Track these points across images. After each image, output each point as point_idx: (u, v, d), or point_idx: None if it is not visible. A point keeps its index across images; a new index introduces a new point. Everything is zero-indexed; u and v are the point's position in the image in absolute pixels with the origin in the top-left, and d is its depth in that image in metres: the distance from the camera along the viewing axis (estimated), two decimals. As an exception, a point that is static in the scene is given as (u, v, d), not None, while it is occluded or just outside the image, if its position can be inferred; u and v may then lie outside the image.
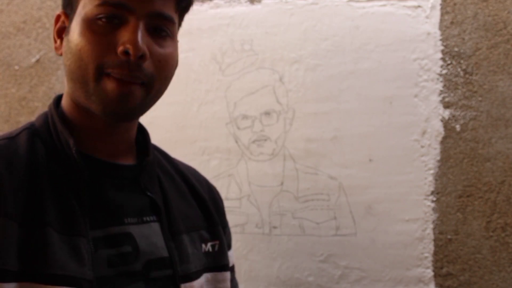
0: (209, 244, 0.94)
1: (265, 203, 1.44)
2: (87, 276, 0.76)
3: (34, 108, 1.63)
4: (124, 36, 0.77)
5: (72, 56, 0.80)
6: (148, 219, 0.86)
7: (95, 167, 0.83)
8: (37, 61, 1.65)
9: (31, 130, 0.84)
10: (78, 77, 0.80)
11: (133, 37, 0.77)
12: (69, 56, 0.80)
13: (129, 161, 0.89)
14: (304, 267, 1.41)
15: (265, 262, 1.43)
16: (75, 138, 0.82)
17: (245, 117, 1.47)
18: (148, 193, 0.88)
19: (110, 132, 0.86)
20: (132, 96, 0.79)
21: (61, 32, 0.85)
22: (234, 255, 1.08)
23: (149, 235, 0.85)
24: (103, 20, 0.78)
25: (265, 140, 1.45)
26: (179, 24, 0.89)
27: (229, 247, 1.04)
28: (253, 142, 1.46)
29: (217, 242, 0.96)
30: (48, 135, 0.83)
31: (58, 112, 0.85)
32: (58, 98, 0.89)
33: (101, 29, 0.78)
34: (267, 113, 1.46)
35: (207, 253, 0.93)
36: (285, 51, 1.46)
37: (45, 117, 0.86)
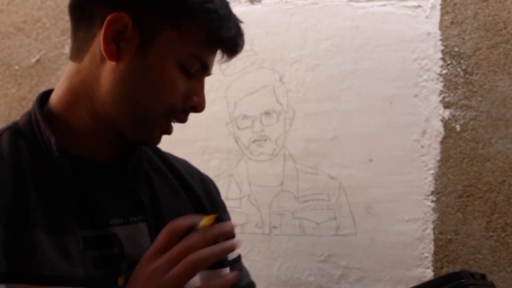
0: None
1: (265, 203, 1.44)
2: (77, 276, 0.75)
3: (34, 108, 1.63)
4: (195, 91, 0.82)
5: (144, 82, 0.78)
6: (134, 219, 0.85)
7: (82, 166, 0.82)
8: (37, 61, 1.65)
9: (14, 129, 0.82)
10: (138, 107, 0.79)
11: (203, 97, 0.83)
12: (139, 79, 0.78)
13: (117, 158, 0.88)
14: (304, 267, 1.41)
15: (265, 262, 1.43)
16: (59, 137, 0.80)
17: (245, 117, 1.47)
18: (135, 192, 0.86)
19: (102, 133, 0.84)
20: None
21: (117, 36, 0.78)
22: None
23: (135, 236, 0.84)
24: (186, 69, 0.80)
25: (265, 140, 1.45)
26: None
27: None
28: (253, 142, 1.46)
29: None
30: (31, 134, 0.81)
31: (42, 110, 0.83)
32: (43, 96, 0.86)
33: (182, 75, 0.80)
34: (267, 113, 1.46)
35: None
36: (285, 51, 1.46)
37: (28, 116, 0.84)
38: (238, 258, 1.02)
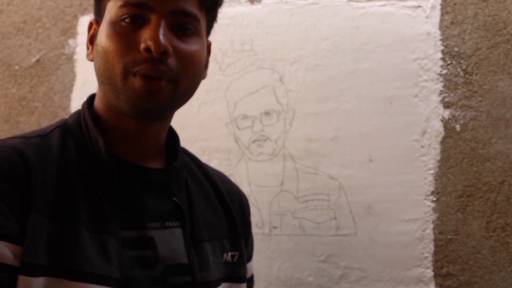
0: (229, 254, 0.94)
1: (265, 203, 1.44)
2: (114, 275, 0.76)
3: (34, 108, 1.63)
4: (145, 34, 0.79)
5: (100, 59, 0.82)
6: (170, 224, 0.86)
7: (124, 168, 0.84)
8: (37, 61, 1.65)
9: (64, 128, 0.86)
10: (106, 78, 0.81)
11: (154, 34, 0.78)
12: (98, 59, 0.83)
13: (157, 164, 0.90)
14: (304, 267, 1.41)
15: (265, 262, 1.43)
16: (105, 139, 0.84)
17: (245, 117, 1.47)
18: (174, 198, 0.88)
19: (140, 134, 0.87)
20: (159, 92, 0.80)
21: (93, 39, 0.87)
22: (253, 266, 1.08)
23: (170, 240, 0.85)
24: (127, 21, 0.80)
25: (265, 140, 1.45)
26: (210, 22, 0.90)
27: (249, 258, 1.04)
28: (253, 142, 1.46)
29: (237, 253, 0.96)
30: (79, 133, 0.85)
31: (90, 111, 0.87)
32: (91, 98, 0.90)
33: (125, 29, 0.80)
34: (267, 113, 1.46)
35: (226, 262, 0.93)
36: (285, 51, 1.46)
37: (77, 115, 0.88)
38: (252, 277, 1.06)
